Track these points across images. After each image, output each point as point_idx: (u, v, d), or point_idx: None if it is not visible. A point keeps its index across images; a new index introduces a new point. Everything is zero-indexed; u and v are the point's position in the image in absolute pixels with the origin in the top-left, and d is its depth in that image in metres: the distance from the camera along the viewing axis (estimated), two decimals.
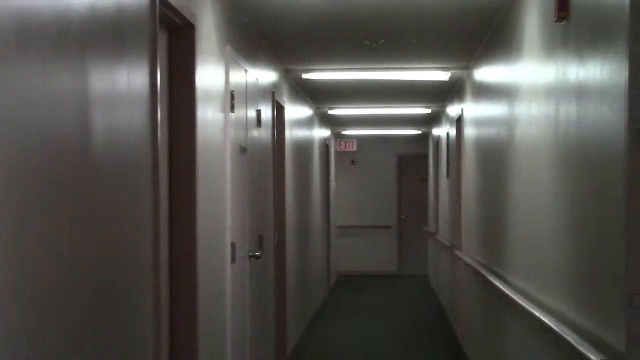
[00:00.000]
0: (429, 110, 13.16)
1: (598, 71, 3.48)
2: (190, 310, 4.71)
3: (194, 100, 4.67)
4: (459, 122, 10.27)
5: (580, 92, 3.79)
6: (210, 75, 5.16)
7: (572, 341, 3.65)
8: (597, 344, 3.49)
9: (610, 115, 3.29)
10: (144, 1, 3.66)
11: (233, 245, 5.83)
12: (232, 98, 5.77)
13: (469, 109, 9.06)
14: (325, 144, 14.88)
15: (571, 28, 3.95)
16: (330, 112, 13.29)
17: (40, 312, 2.49)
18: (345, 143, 17.95)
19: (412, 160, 18.83)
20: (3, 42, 2.23)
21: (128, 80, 3.42)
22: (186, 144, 4.67)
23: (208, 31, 5.10)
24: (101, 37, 3.07)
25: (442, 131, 13.29)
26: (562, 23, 4.08)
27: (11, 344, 2.28)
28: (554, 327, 4.01)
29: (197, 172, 4.70)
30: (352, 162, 18.82)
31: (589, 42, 3.63)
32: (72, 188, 2.76)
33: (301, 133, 10.98)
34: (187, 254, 4.66)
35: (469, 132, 9.04)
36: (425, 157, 18.38)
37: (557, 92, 4.30)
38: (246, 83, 6.44)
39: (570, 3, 3.93)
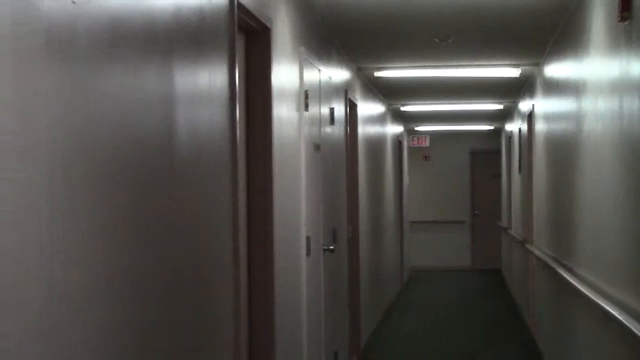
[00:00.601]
0: (500, 106, 13.24)
1: None
2: (267, 301, 4.92)
3: (270, 99, 4.89)
4: (530, 117, 10.35)
5: None
6: (285, 76, 5.38)
7: (634, 329, 3.79)
8: None
9: None
10: (223, 8, 3.89)
11: (308, 238, 6.04)
12: (306, 97, 5.98)
13: (540, 104, 9.16)
14: (398, 140, 15.03)
15: (634, 27, 4.08)
16: (402, 108, 13.44)
17: (130, 303, 2.73)
18: (418, 139, 18.06)
19: (485, 156, 18.89)
20: (97, 47, 2.47)
21: (209, 81, 3.65)
22: (263, 141, 4.89)
23: (283, 34, 5.32)
24: (184, 42, 3.31)
25: (514, 127, 13.35)
26: (625, 23, 4.21)
27: (114, 325, 2.52)
28: (618, 316, 4.15)
29: (273, 169, 4.92)
30: (425, 157, 18.94)
31: None
32: (158, 185, 2.99)
33: (374, 130, 11.15)
34: (264, 247, 4.88)
35: (540, 127, 9.14)
36: (498, 152, 18.41)
37: (620, 88, 4.43)
38: (319, 82, 6.65)
39: (633, 4, 4.06)
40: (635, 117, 4.07)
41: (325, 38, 7.18)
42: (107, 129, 2.53)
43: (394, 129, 14.38)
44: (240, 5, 4.18)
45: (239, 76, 4.49)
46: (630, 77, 4.18)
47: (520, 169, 12.14)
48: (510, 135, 14.41)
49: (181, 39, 3.27)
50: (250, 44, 4.86)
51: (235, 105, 4.03)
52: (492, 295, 14.65)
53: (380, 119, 11.99)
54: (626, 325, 3.97)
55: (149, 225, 2.88)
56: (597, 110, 5.26)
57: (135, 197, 2.76)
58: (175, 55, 3.19)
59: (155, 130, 2.95)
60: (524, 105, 11.23)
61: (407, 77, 10.08)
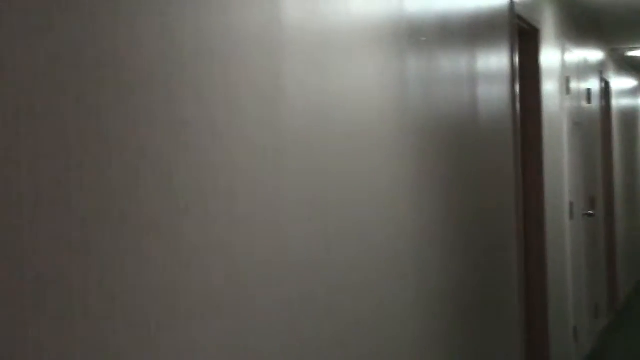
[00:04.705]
0: None
1: None
2: (540, 258, 5.87)
3: (539, 83, 5.89)
4: None
5: None
6: (549, 63, 6.34)
7: None
8: None
9: None
10: (505, 15, 4.97)
11: (571, 204, 6.94)
12: (567, 82, 6.90)
13: None
14: None
15: None
16: None
17: (458, 233, 3.86)
18: None
19: None
20: (432, 36, 3.61)
21: (497, 65, 4.75)
22: (534, 117, 5.88)
23: (548, 31, 6.30)
24: (482, 37, 4.44)
25: None
26: None
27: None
28: None
29: (543, 141, 5.90)
30: None
31: None
32: (469, 145, 4.11)
33: (626, 104, 11.75)
34: (536, 208, 5.86)
35: None
36: None
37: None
38: (577, 66, 7.51)
39: None
40: None
41: (583, 27, 8.04)
42: (440, 102, 3.67)
43: None
44: (518, 15, 5.24)
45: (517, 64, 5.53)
46: None
47: None
48: None
49: (480, 35, 4.39)
50: (523, 40, 5.87)
51: (515, 83, 5.09)
52: None
53: (631, 93, 12.53)
54: None
55: (467, 180, 4.01)
56: None
57: (457, 158, 3.88)
58: (477, 46, 4.32)
59: (466, 100, 4.07)
60: None
61: None
